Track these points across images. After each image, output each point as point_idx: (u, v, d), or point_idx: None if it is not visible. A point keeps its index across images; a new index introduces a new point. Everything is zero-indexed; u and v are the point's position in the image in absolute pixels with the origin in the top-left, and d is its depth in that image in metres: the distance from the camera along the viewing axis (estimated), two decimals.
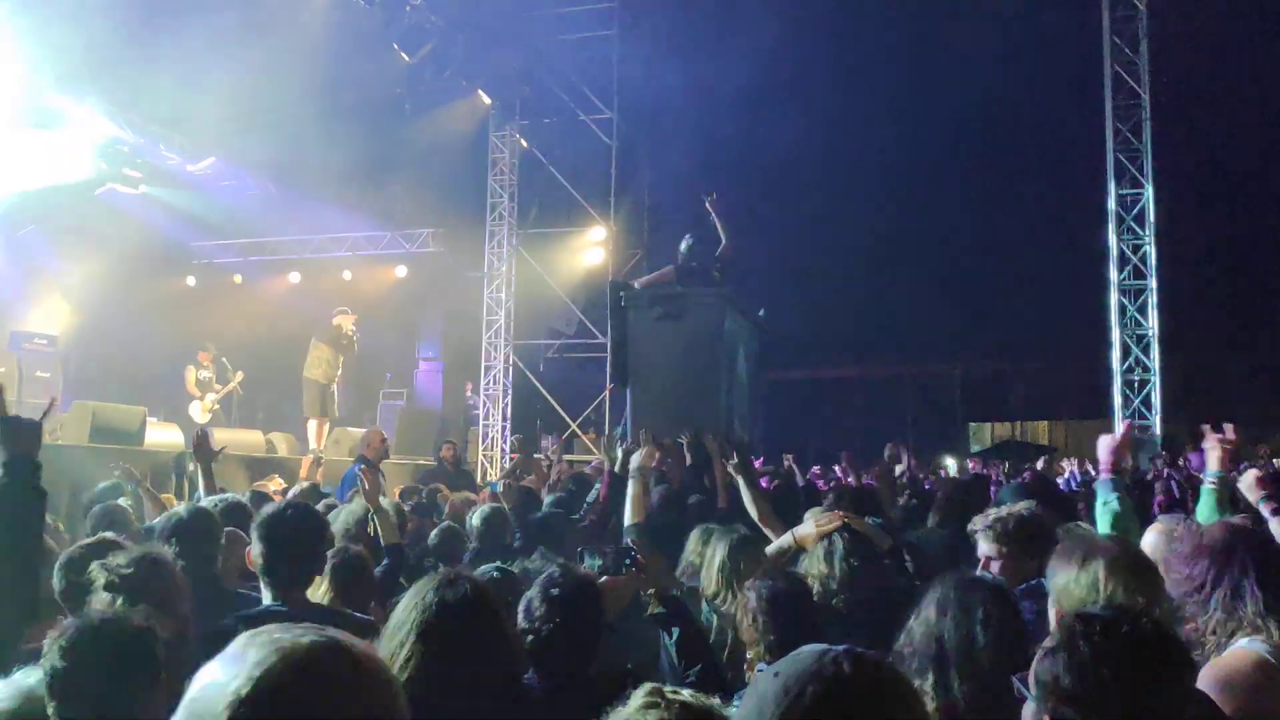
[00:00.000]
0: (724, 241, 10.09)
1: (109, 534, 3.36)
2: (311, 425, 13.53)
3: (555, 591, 2.65)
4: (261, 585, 3.16)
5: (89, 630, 2.18)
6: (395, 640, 2.24)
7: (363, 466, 6.93)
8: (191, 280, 20.20)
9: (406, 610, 2.29)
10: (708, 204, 10.08)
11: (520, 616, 2.64)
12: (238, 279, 20.01)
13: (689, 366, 9.55)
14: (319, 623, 2.85)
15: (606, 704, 2.56)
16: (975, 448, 23.56)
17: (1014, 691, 1.82)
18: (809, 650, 1.30)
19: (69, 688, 2.15)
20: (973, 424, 25.63)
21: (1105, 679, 1.56)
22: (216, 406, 14.93)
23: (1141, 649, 1.60)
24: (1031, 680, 1.66)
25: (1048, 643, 1.67)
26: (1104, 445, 3.92)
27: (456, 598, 2.30)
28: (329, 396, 13.57)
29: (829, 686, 1.23)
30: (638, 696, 1.51)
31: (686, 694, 1.52)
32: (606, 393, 17.65)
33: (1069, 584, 2.29)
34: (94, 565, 2.80)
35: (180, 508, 4.52)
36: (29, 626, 2.63)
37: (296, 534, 3.12)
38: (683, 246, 10.30)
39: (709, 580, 3.79)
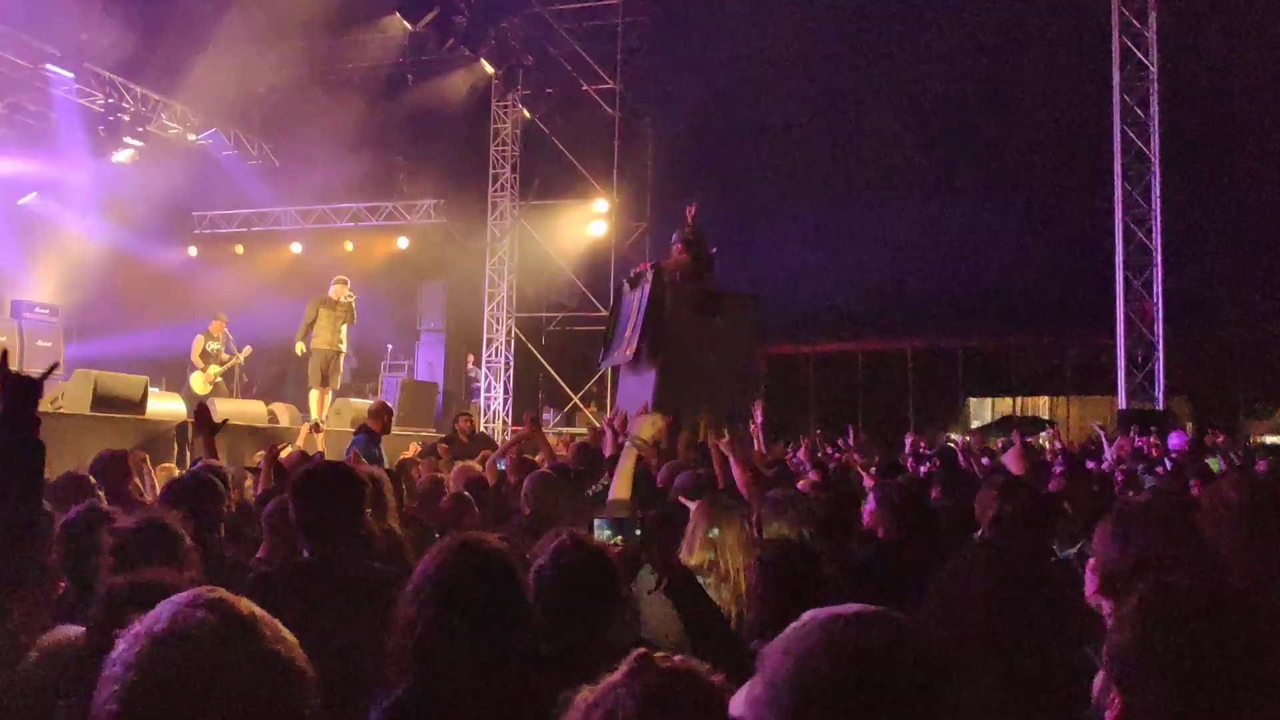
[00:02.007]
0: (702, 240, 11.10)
1: (96, 500, 3.36)
2: (313, 395, 13.48)
3: (566, 560, 2.62)
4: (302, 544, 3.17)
5: (141, 589, 2.17)
6: (412, 601, 2.22)
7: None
8: (193, 250, 20.13)
9: (424, 570, 2.26)
10: (688, 214, 11.12)
11: (532, 585, 2.61)
12: (239, 249, 19.94)
13: (719, 356, 10.08)
14: (348, 577, 2.85)
15: None
16: (975, 423, 23.55)
17: (1084, 663, 1.74)
18: (816, 621, 1.22)
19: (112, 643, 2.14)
20: (973, 399, 25.60)
21: (1178, 649, 1.45)
22: (219, 379, 14.79)
23: (1220, 621, 1.48)
24: (1105, 652, 1.56)
25: (1120, 612, 1.56)
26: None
27: (474, 559, 2.27)
28: (332, 365, 13.50)
29: (842, 658, 1.16)
30: (626, 662, 1.43)
31: (678, 659, 1.44)
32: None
33: (1114, 551, 2.23)
34: (103, 531, 2.79)
35: (183, 475, 4.52)
36: (17, 586, 2.57)
37: (332, 490, 3.10)
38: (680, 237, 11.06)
39: (688, 550, 3.72)
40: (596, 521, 3.05)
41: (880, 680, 1.16)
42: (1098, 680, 1.63)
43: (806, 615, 1.25)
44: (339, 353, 13.61)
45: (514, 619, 2.27)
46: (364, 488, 3.23)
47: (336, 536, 3.06)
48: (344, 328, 13.62)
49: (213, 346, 14.54)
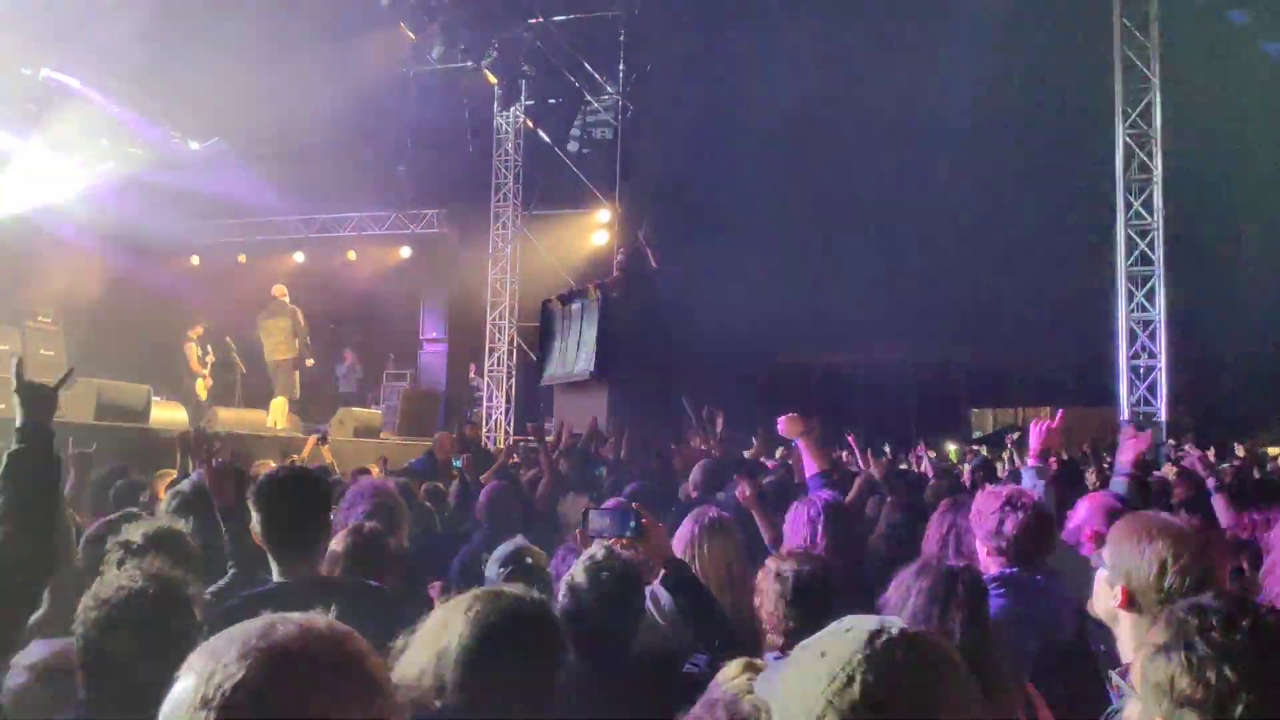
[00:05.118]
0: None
1: (133, 509, 3.32)
2: (279, 404, 13.72)
3: (605, 575, 2.61)
4: (269, 558, 3.00)
5: (120, 599, 2.13)
6: (430, 669, 1.99)
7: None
8: (196, 260, 20.12)
9: (439, 631, 2.03)
10: (641, 235, 11.87)
11: (563, 598, 2.60)
12: (242, 259, 19.93)
13: (659, 364, 10.40)
14: (330, 595, 2.73)
15: (648, 685, 2.53)
16: (977, 434, 23.48)
17: (1111, 689, 1.69)
18: (858, 629, 1.23)
19: (98, 658, 2.09)
20: (975, 410, 25.52)
21: (1229, 680, 1.39)
22: (210, 381, 15.10)
23: (1268, 644, 1.43)
24: (1137, 679, 1.49)
25: (1157, 638, 1.49)
26: (1035, 431, 3.84)
27: (511, 625, 2.03)
28: (297, 374, 13.94)
29: (881, 674, 1.17)
30: (735, 667, 1.48)
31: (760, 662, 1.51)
32: None
33: (1134, 564, 2.19)
34: (110, 540, 2.76)
35: (184, 483, 4.50)
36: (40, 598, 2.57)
37: (296, 501, 2.95)
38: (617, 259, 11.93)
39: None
40: (592, 513, 3.03)
41: (909, 698, 1.18)
42: (1131, 710, 1.54)
43: (850, 620, 1.26)
44: (302, 359, 14.26)
45: (549, 685, 2.06)
46: (326, 497, 3.09)
47: (304, 551, 2.90)
48: (304, 330, 14.18)
49: (197, 352, 14.92)
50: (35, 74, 14.83)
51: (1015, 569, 3.22)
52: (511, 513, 5.09)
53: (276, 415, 13.74)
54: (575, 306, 11.09)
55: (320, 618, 1.18)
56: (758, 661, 1.53)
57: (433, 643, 2.01)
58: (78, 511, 4.41)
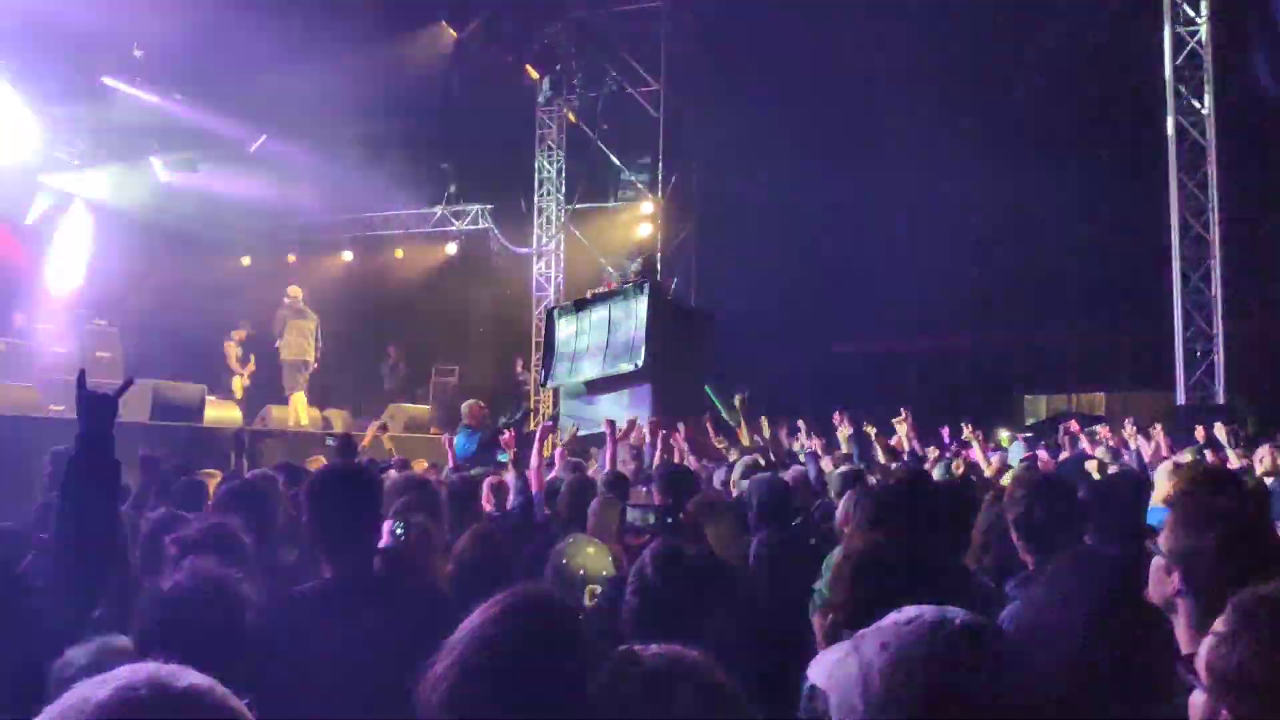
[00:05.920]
0: None
1: (181, 510, 3.38)
2: (298, 399, 13.98)
3: (677, 569, 2.59)
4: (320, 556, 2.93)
5: (179, 597, 2.17)
6: (464, 688, 1.81)
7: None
8: (247, 260, 20.37)
9: (465, 642, 1.86)
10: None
11: (634, 595, 2.59)
12: (292, 258, 20.14)
13: (690, 361, 10.47)
14: (372, 595, 2.74)
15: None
16: (1030, 420, 23.16)
17: (1181, 680, 1.66)
18: (921, 622, 1.21)
19: (155, 656, 2.11)
20: (1028, 396, 25.18)
21: None
22: (247, 380, 15.43)
23: None
24: (1203, 669, 1.46)
25: (1221, 627, 1.47)
26: None
27: (526, 635, 1.85)
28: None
29: (946, 671, 1.16)
30: (610, 660, 1.42)
31: (655, 648, 1.44)
32: None
33: (1190, 549, 2.13)
34: (166, 538, 2.81)
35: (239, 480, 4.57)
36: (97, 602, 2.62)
37: (345, 498, 2.90)
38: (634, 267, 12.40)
39: None
40: (630, 509, 3.03)
41: (971, 700, 1.16)
42: (1196, 701, 1.51)
43: (911, 611, 1.25)
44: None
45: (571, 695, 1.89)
46: (376, 494, 3.05)
47: (351, 548, 2.83)
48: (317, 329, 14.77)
49: (236, 352, 15.27)
50: (88, 79, 15.08)
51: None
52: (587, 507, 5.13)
53: (301, 412, 14.01)
54: (600, 306, 11.08)
55: (145, 666, 1.19)
56: (646, 650, 1.51)
57: (467, 659, 1.86)
58: (141, 512, 4.49)
